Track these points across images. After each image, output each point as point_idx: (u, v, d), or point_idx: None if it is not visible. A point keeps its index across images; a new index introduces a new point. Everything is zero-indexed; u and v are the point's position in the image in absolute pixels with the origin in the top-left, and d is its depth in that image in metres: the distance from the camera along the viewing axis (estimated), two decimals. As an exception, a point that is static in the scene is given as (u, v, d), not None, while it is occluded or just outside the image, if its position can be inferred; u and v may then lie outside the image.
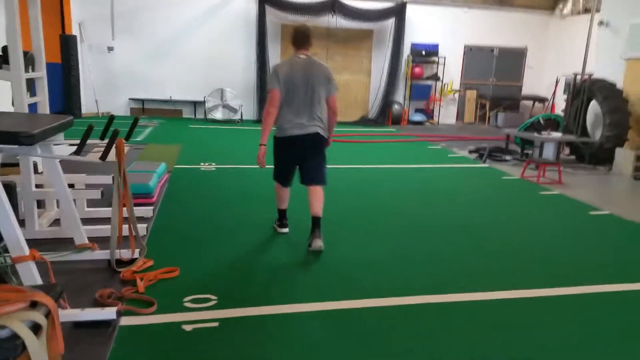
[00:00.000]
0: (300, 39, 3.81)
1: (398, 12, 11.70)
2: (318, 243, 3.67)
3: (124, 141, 3.23)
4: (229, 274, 3.31)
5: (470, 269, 3.54)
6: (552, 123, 8.14)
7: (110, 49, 11.11)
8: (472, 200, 5.44)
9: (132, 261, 3.27)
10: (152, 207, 4.42)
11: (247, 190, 5.45)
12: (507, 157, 7.82)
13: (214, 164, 6.73)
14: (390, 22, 11.86)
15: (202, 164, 6.69)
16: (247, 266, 3.47)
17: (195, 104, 11.66)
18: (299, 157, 3.85)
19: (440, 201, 5.36)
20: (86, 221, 4.03)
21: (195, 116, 11.73)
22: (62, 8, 10.42)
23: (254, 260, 3.59)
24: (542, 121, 7.95)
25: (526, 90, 13.24)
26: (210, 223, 4.33)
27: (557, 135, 7.47)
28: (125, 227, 3.26)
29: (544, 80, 13.16)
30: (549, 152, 7.28)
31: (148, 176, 5.02)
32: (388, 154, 8.24)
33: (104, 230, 3.56)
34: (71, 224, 3.25)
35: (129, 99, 11.37)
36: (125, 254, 3.30)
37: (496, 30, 12.70)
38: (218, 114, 11.21)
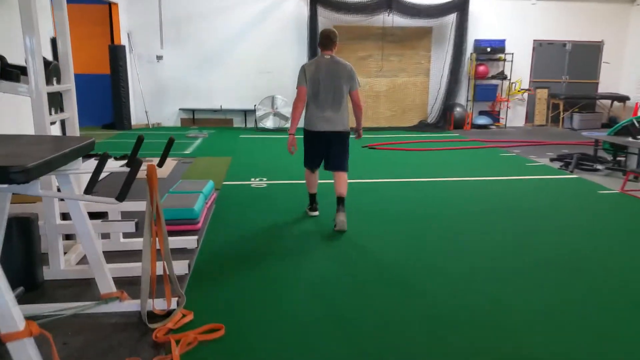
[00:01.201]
0: (324, 41, 4.26)
1: (460, 7, 10.79)
2: (341, 218, 4.19)
3: (156, 167, 2.64)
4: (293, 333, 2.63)
5: None
6: (650, 125, 7.00)
7: (159, 58, 10.87)
8: (575, 225, 4.52)
9: (168, 314, 2.68)
10: (196, 237, 3.85)
11: (301, 210, 4.80)
12: (599, 167, 6.77)
13: (264, 179, 6.15)
14: (452, 18, 10.96)
15: (252, 179, 6.13)
16: (314, 321, 2.80)
17: (245, 113, 11.22)
18: (324, 147, 4.35)
19: (538, 226, 4.46)
20: (122, 255, 3.53)
21: (245, 125, 11.29)
22: (111, 18, 10.27)
23: (321, 311, 2.91)
24: (636, 123, 6.85)
25: (603, 88, 11.94)
26: (264, 257, 3.70)
27: (660, 140, 6.38)
28: (161, 267, 2.69)
29: (623, 76, 11.83)
30: (649, 159, 6.21)
31: (193, 198, 4.49)
32: (453, 163, 7.37)
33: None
34: (96, 269, 2.70)
35: (179, 109, 11.08)
36: (159, 304, 2.73)
37: (568, 23, 11.51)
38: (269, 123, 10.71)
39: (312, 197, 4.68)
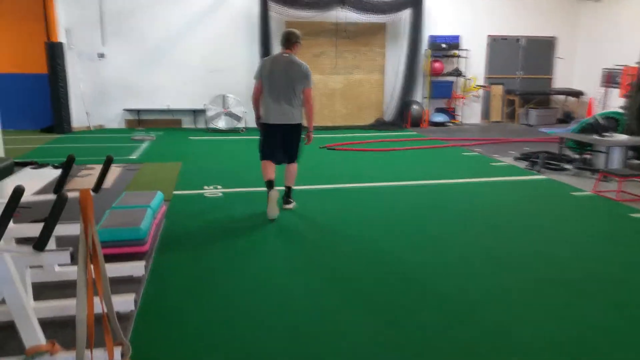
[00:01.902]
0: (283, 40, 4.66)
1: (414, 2, 10.61)
2: (289, 205, 4.76)
3: (91, 192, 2.16)
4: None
5: None
6: (612, 122, 7.04)
7: (100, 55, 10.08)
8: (556, 231, 4.33)
9: (109, 369, 2.22)
10: (143, 263, 3.36)
11: (259, 223, 4.39)
12: (567, 166, 6.70)
13: (219, 187, 5.68)
14: (406, 14, 10.78)
15: (205, 187, 5.64)
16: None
17: (195, 113, 10.62)
18: (279, 139, 4.67)
19: (515, 235, 4.24)
20: (57, 287, 3.03)
21: (195, 126, 10.69)
22: (45, 13, 9.40)
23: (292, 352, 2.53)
24: (600, 121, 6.85)
25: (557, 83, 12.13)
26: (224, 281, 3.27)
27: (623, 137, 6.39)
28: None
29: (576, 71, 12.06)
30: (613, 158, 6.19)
31: (140, 215, 3.98)
32: (415, 164, 7.16)
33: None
34: (19, 318, 2.20)
35: (123, 109, 10.34)
36: (100, 356, 2.26)
37: (521, 18, 11.60)
38: (220, 123, 10.17)
39: (269, 184, 4.66)
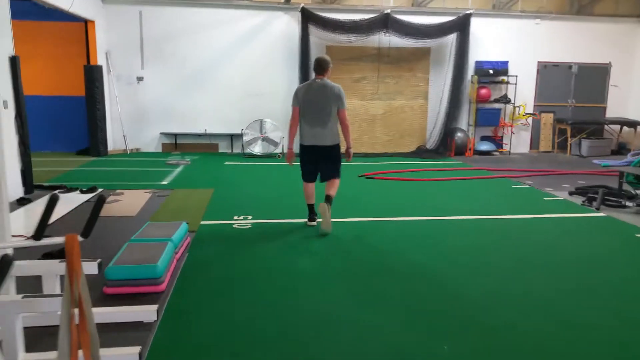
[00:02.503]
0: (317, 67, 4.84)
1: (461, 26, 10.18)
2: (326, 217, 4.66)
3: (78, 238, 1.81)
4: None
5: None
6: (679, 156, 6.32)
7: (139, 79, 10.09)
8: (629, 283, 3.74)
9: None
10: (156, 307, 2.99)
11: (284, 265, 3.97)
12: (628, 203, 6.02)
13: (250, 217, 5.32)
14: (452, 38, 10.36)
15: (235, 217, 5.29)
16: None
17: (232, 137, 10.44)
18: (316, 160, 4.90)
19: (584, 288, 3.68)
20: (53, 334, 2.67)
21: (232, 150, 10.49)
22: (87, 36, 9.50)
23: None
24: (666, 153, 6.14)
25: (611, 112, 11.34)
26: (247, 335, 2.86)
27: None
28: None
29: (631, 100, 11.27)
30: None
31: (159, 250, 3.65)
32: (461, 197, 6.60)
33: None
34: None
35: (160, 133, 10.27)
36: None
37: (574, 44, 10.96)
38: (257, 148, 9.92)
39: (310, 208, 5.08)
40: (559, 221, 5.42)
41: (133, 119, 10.16)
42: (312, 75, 10.14)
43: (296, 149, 4.97)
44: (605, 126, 11.14)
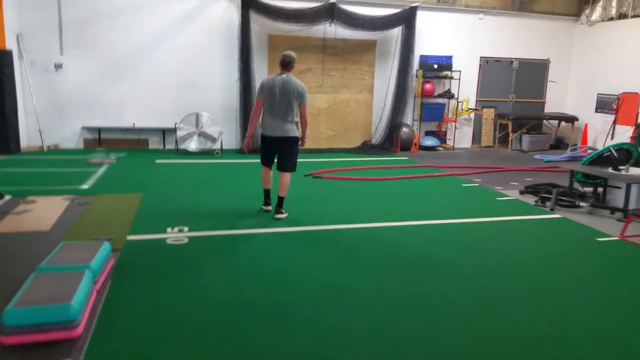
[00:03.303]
0: (282, 62, 5.06)
1: (407, 19, 9.89)
2: (280, 215, 5.14)
3: None
4: None
5: None
6: (624, 154, 6.35)
7: (58, 66, 8.98)
8: (597, 294, 3.52)
9: None
10: (65, 365, 2.36)
11: (236, 286, 3.42)
12: (581, 203, 5.94)
13: (185, 228, 4.69)
14: (397, 31, 10.04)
15: (169, 230, 4.64)
16: None
17: (164, 132, 9.58)
18: (274, 149, 5.17)
19: (556, 304, 3.42)
20: None
21: (164, 146, 9.64)
22: (-8, 16, 8.29)
23: None
24: (614, 152, 6.14)
25: (549, 107, 11.55)
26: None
27: (643, 172, 5.67)
28: None
29: (569, 95, 11.54)
30: (632, 195, 5.45)
31: (73, 282, 3.00)
32: (412, 198, 6.29)
33: None
34: None
35: (82, 127, 9.22)
36: None
37: (515, 39, 11.03)
38: (192, 144, 9.15)
39: (266, 193, 5.43)
40: (517, 225, 5.21)
41: (50, 112, 9.05)
42: (253, 65, 9.66)
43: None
44: (544, 121, 11.34)
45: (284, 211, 5.18)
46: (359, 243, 4.47)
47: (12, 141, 8.41)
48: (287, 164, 5.17)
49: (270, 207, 5.34)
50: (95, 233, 4.46)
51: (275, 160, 5.24)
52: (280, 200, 5.18)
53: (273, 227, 4.84)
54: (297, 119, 5.12)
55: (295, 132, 5.12)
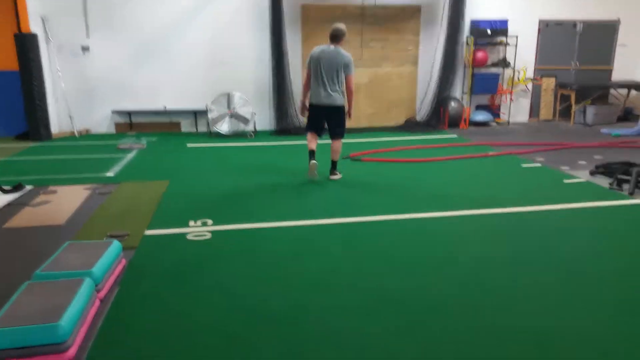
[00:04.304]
0: (332, 35, 5.29)
1: (456, -20, 8.94)
2: (334, 176, 5.53)
3: None
4: None
5: None
6: None
7: (85, 49, 8.64)
8: None
9: None
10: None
11: (263, 296, 2.85)
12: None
13: (209, 222, 4.16)
14: (444, -5, 9.12)
15: (191, 223, 4.13)
16: None
17: (196, 114, 9.14)
18: (321, 118, 5.44)
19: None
20: None
21: (197, 129, 9.20)
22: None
23: None
24: None
25: (617, 75, 10.33)
26: None
27: None
28: None
29: (640, 61, 10.26)
30: None
31: (66, 295, 2.52)
32: (466, 183, 5.53)
33: None
34: None
35: (112, 111, 8.90)
36: None
37: (578, -2, 9.83)
38: (224, 127, 8.66)
39: (311, 153, 5.44)
40: (593, 214, 4.40)
41: (80, 96, 8.76)
42: (286, 39, 8.99)
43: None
44: (612, 90, 10.15)
45: (337, 172, 5.55)
46: (407, 238, 3.81)
47: (42, 127, 8.16)
48: (337, 131, 5.45)
49: (314, 161, 5.40)
50: (112, 227, 4.01)
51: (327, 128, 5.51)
52: (334, 163, 5.55)
53: (306, 218, 4.25)
54: (343, 88, 5.33)
55: (342, 101, 5.35)
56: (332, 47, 5.27)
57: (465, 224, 4.14)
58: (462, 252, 3.50)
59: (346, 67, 5.23)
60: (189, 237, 3.83)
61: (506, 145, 7.53)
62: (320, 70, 5.24)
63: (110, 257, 3.08)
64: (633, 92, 10.02)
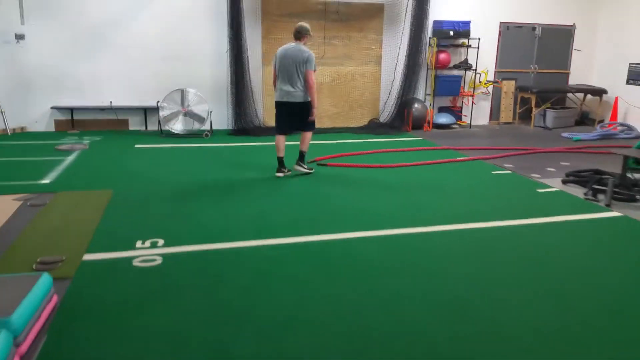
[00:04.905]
0: (295, 33, 5.46)
1: (420, -21, 8.70)
2: (299, 168, 5.63)
3: None
4: None
5: None
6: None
7: (19, 37, 7.81)
8: None
9: None
10: None
11: (222, 338, 2.42)
12: (638, 196, 4.94)
13: (160, 242, 3.67)
14: (408, -7, 8.87)
15: (138, 244, 3.62)
16: None
17: (145, 111, 8.48)
18: (286, 116, 5.50)
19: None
20: None
21: (146, 127, 8.55)
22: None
23: None
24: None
25: (573, 79, 10.46)
26: None
27: None
28: None
29: (595, 66, 10.42)
30: None
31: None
32: (438, 192, 5.27)
33: None
34: None
35: (51, 107, 8.11)
36: None
37: (538, 2, 9.84)
38: (177, 126, 8.06)
39: (280, 160, 5.55)
40: (573, 228, 4.21)
41: (14, 90, 7.92)
42: (245, 34, 8.47)
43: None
44: (568, 94, 10.26)
45: (304, 165, 5.59)
46: (382, 259, 3.46)
47: (-32, 125, 7.31)
48: (306, 126, 5.53)
49: (282, 174, 5.53)
50: (44, 251, 3.45)
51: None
52: (301, 154, 5.58)
53: (271, 237, 3.83)
54: (305, 85, 5.36)
55: (304, 97, 5.39)
56: (292, 44, 5.41)
57: (439, 240, 3.84)
58: (440, 275, 3.18)
59: (306, 62, 5.30)
60: (136, 262, 3.32)
61: (472, 150, 7.37)
62: (283, 68, 5.35)
63: (37, 297, 2.56)
64: (589, 96, 10.15)
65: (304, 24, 5.47)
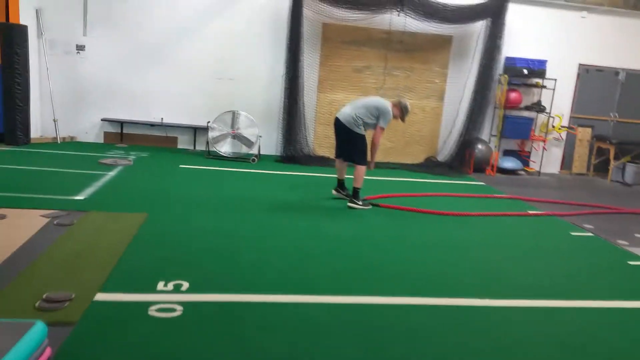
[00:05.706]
0: (397, 102, 5.47)
1: (495, 13, 8.11)
2: (352, 205, 5.33)
3: None
4: None
5: None
6: None
7: (80, 48, 7.81)
8: None
9: None
10: None
11: None
12: None
13: (184, 285, 3.18)
14: (480, 26, 8.29)
15: (160, 285, 3.14)
16: None
17: (195, 131, 8.24)
18: (337, 133, 5.46)
19: None
20: None
21: (194, 147, 8.29)
22: (7, -15, 7.17)
23: None
24: None
25: (660, 131, 9.44)
26: None
27: None
28: None
29: (686, 118, 9.38)
30: None
31: None
32: (504, 253, 4.56)
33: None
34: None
35: (102, 119, 8.01)
36: None
37: (624, 45, 9.00)
38: (225, 147, 7.73)
39: (339, 183, 5.65)
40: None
41: (68, 100, 7.90)
42: (302, 58, 8.14)
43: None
44: (652, 148, 9.24)
45: (357, 202, 5.33)
46: (445, 339, 2.82)
47: (20, 130, 7.26)
48: (353, 155, 5.36)
49: (336, 193, 5.60)
50: (55, 283, 3.05)
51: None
52: (355, 190, 5.37)
53: (313, 293, 3.27)
54: (363, 128, 5.27)
55: (353, 128, 5.23)
56: (389, 101, 5.45)
57: (519, 320, 3.15)
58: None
59: (383, 114, 5.21)
60: (152, 311, 2.83)
61: (545, 203, 6.57)
62: (359, 101, 5.39)
63: (24, 352, 2.10)
64: (677, 152, 9.09)
65: (409, 106, 5.51)
